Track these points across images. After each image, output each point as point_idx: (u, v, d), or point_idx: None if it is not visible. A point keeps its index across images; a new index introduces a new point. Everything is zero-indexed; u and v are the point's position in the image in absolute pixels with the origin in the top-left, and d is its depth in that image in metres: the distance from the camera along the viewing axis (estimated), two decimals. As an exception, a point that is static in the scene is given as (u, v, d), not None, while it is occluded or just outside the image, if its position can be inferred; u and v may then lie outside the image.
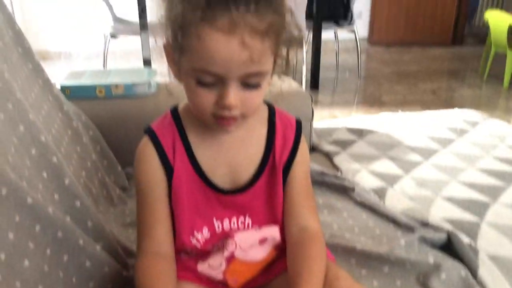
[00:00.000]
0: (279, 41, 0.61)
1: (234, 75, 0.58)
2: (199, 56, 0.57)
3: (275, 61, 0.64)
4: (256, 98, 0.62)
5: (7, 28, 0.92)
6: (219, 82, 0.59)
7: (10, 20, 0.94)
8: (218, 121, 0.62)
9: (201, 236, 0.71)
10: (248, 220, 0.73)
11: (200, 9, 0.55)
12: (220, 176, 0.70)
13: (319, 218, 0.74)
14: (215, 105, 0.60)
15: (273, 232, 0.74)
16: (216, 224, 0.72)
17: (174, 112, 0.72)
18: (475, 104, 3.08)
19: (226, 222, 0.72)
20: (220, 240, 0.72)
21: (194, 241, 0.71)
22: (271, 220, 0.74)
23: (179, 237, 0.70)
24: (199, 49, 0.56)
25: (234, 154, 0.70)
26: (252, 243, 0.73)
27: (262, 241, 0.74)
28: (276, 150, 0.71)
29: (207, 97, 0.60)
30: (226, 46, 0.55)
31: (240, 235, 0.72)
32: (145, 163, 0.69)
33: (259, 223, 0.73)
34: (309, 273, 0.64)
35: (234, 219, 0.72)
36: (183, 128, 0.70)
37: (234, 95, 0.59)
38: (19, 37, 0.95)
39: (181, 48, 0.59)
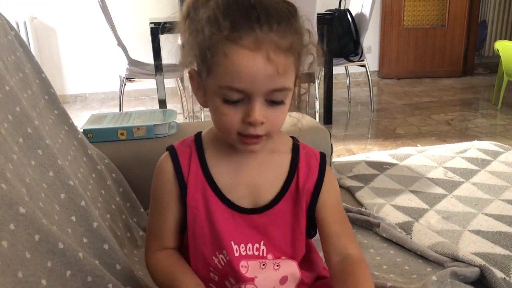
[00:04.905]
0: (300, 59, 0.64)
1: (259, 91, 0.60)
2: (225, 73, 0.59)
3: (296, 81, 0.66)
4: (281, 115, 0.64)
5: (35, 78, 0.95)
6: (245, 100, 0.60)
7: (37, 69, 0.97)
8: (244, 140, 0.63)
9: (222, 257, 0.70)
10: (262, 248, 0.71)
11: (226, 31, 0.58)
12: (240, 196, 0.70)
13: (358, 244, 0.73)
14: (241, 123, 0.62)
15: (291, 269, 0.72)
16: (234, 247, 0.70)
17: (197, 134, 0.75)
18: (491, 133, 3.06)
19: (242, 247, 0.71)
20: (239, 285, 0.70)
21: (216, 261, 0.71)
22: (289, 253, 0.72)
23: (203, 257, 0.71)
24: (226, 65, 0.59)
25: (254, 175, 0.71)
26: (273, 284, 0.71)
27: (283, 280, 0.72)
28: (300, 176, 0.71)
29: (233, 116, 0.61)
30: (252, 62, 0.58)
31: (260, 278, 0.70)
32: (159, 174, 0.73)
33: (274, 253, 0.72)
34: None
35: (249, 245, 0.71)
36: (202, 147, 0.72)
37: (260, 111, 0.61)
38: (45, 85, 0.97)
39: (208, 68, 0.61)
